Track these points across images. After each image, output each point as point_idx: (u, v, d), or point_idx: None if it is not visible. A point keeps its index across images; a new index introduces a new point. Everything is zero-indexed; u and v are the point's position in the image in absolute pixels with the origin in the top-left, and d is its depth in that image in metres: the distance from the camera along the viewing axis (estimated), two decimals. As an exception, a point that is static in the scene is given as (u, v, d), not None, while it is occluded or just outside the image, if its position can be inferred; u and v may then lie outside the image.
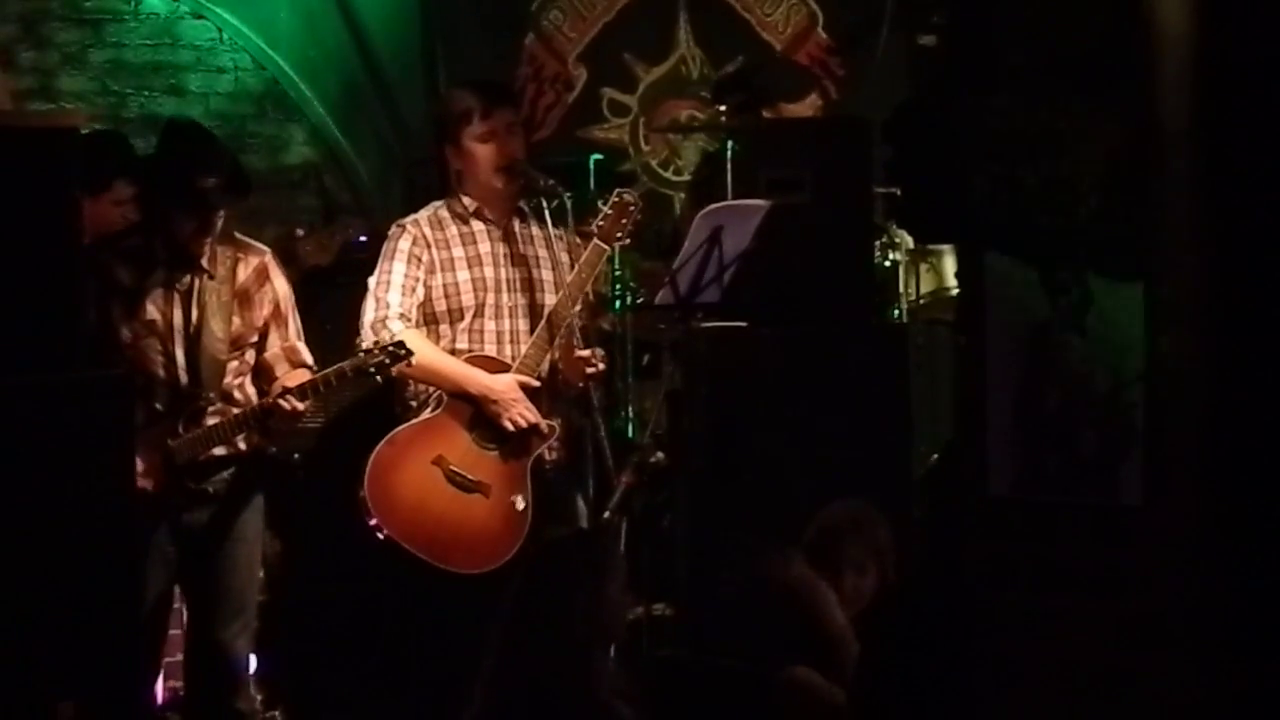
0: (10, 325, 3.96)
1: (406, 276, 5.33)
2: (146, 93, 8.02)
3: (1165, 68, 3.18)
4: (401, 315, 5.28)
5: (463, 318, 5.36)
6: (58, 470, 3.89)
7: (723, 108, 7.53)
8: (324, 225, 6.94)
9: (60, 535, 3.90)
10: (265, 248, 5.34)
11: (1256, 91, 3.19)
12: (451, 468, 5.23)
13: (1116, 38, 3.39)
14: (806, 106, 7.39)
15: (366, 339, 5.28)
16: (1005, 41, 3.62)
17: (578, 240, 5.48)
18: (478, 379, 5.25)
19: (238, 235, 5.28)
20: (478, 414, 5.26)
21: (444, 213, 5.44)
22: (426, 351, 5.27)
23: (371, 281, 5.39)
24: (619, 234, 5.38)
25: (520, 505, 5.21)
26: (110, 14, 8.01)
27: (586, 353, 5.31)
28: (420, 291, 5.33)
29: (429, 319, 5.37)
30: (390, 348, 5.14)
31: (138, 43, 8.04)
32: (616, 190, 5.49)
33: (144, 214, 5.27)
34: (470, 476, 5.23)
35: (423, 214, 5.46)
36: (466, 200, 5.42)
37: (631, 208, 5.38)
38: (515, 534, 5.18)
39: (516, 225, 5.46)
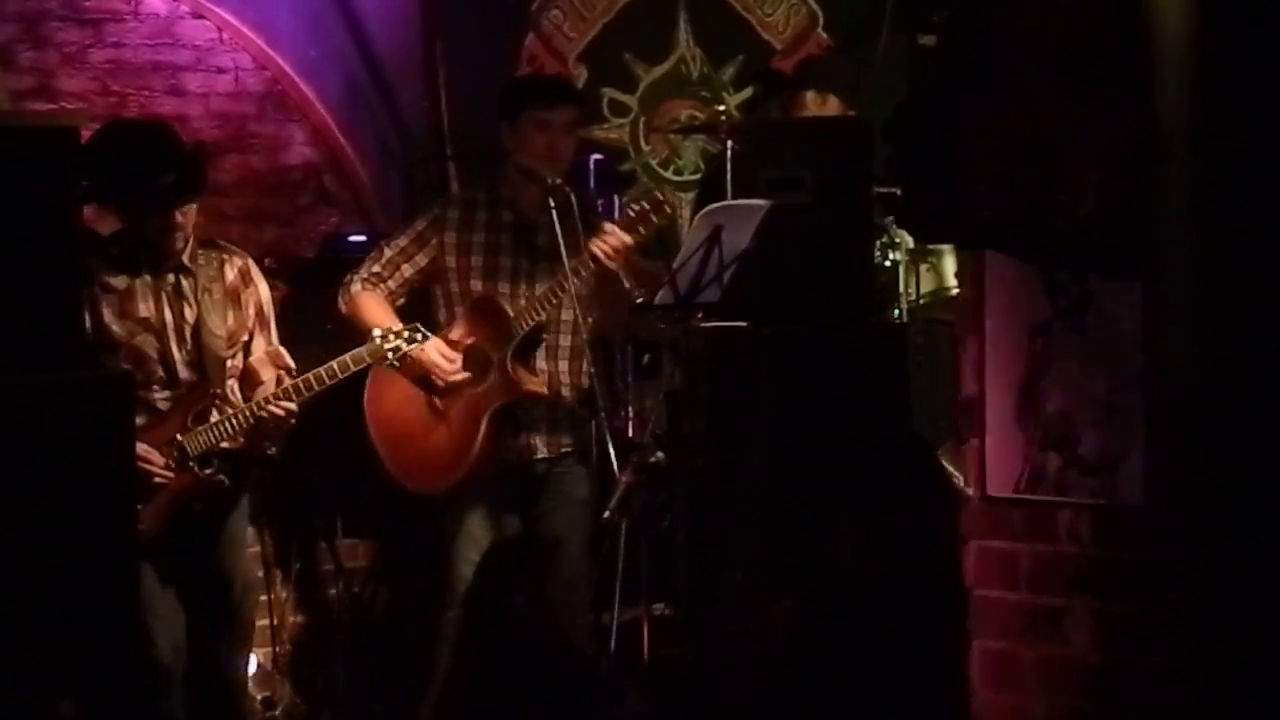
0: (10, 325, 3.96)
1: (400, 251, 5.67)
2: (146, 93, 8.00)
3: (1165, 67, 3.17)
4: (374, 276, 5.66)
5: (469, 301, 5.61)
6: (58, 470, 3.89)
7: (726, 107, 7.53)
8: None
9: (60, 535, 3.90)
10: (244, 252, 5.45)
11: (1256, 91, 3.18)
12: (433, 394, 5.57)
13: (1116, 37, 3.39)
14: (833, 105, 7.35)
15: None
16: (1005, 41, 3.62)
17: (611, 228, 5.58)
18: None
19: (219, 241, 5.39)
20: (469, 357, 5.53)
21: (481, 195, 5.72)
22: (375, 315, 5.58)
23: None
24: (641, 228, 5.47)
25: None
26: (110, 14, 7.99)
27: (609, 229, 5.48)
28: (410, 268, 5.65)
29: (448, 299, 5.65)
30: (405, 332, 5.30)
31: (138, 42, 8.02)
32: (652, 194, 5.62)
33: (121, 220, 5.29)
34: (440, 404, 5.54)
35: (463, 193, 5.95)
36: (505, 189, 5.62)
37: (668, 209, 5.52)
38: (458, 467, 5.50)
39: (543, 219, 5.56)
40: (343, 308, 5.71)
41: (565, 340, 5.64)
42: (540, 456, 5.61)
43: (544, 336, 5.61)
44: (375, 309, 5.61)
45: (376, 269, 5.66)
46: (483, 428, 5.48)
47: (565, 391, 5.64)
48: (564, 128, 5.60)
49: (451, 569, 5.60)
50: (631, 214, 5.56)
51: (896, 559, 4.20)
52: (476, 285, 5.58)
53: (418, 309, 5.76)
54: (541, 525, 5.63)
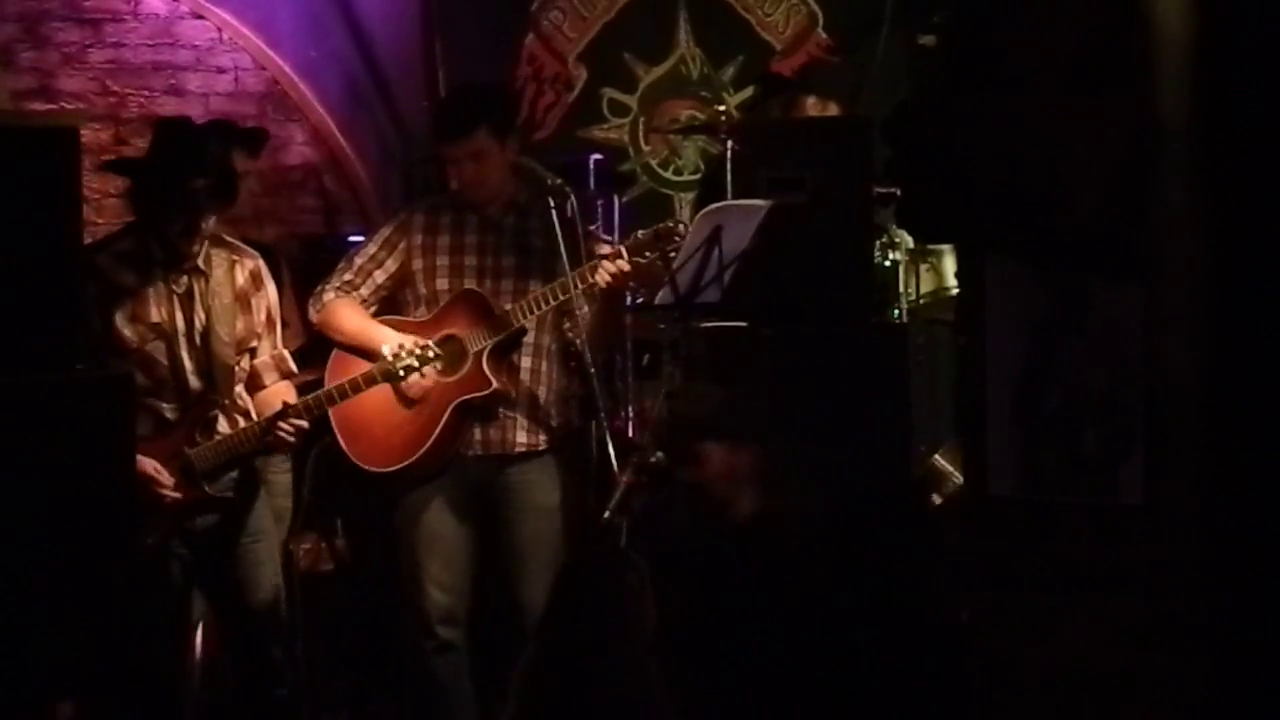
0: (10, 325, 3.96)
1: (371, 259, 5.63)
2: (146, 93, 8.01)
3: (1165, 67, 3.18)
4: (346, 284, 5.60)
5: (437, 302, 5.55)
6: (58, 470, 3.89)
7: (726, 107, 7.52)
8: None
9: (60, 535, 3.90)
10: (255, 252, 5.37)
11: (1256, 90, 3.19)
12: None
13: (1116, 37, 3.39)
14: (833, 111, 7.36)
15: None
16: (1005, 41, 3.62)
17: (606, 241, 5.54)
18: (388, 336, 5.50)
19: (228, 239, 5.31)
20: (444, 346, 5.45)
21: (445, 199, 5.70)
22: (352, 321, 5.54)
23: None
24: (648, 251, 5.42)
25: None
26: (110, 14, 8.00)
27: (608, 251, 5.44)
28: (381, 274, 5.60)
29: (416, 302, 5.58)
30: (418, 350, 5.25)
31: (137, 42, 8.03)
32: (666, 223, 5.55)
33: (135, 213, 5.26)
34: (404, 387, 5.48)
35: (429, 200, 5.83)
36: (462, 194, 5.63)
37: (677, 239, 5.45)
38: (414, 450, 5.44)
39: (513, 218, 5.57)
40: (313, 317, 5.63)
41: (547, 339, 5.58)
42: (505, 452, 5.52)
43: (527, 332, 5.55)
44: (352, 317, 5.53)
45: (349, 277, 5.59)
46: (445, 417, 5.43)
47: (535, 387, 5.55)
48: (471, 156, 5.50)
49: (421, 596, 5.51)
50: (640, 237, 5.47)
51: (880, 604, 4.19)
52: (442, 285, 5.52)
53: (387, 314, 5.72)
54: (503, 537, 5.55)
